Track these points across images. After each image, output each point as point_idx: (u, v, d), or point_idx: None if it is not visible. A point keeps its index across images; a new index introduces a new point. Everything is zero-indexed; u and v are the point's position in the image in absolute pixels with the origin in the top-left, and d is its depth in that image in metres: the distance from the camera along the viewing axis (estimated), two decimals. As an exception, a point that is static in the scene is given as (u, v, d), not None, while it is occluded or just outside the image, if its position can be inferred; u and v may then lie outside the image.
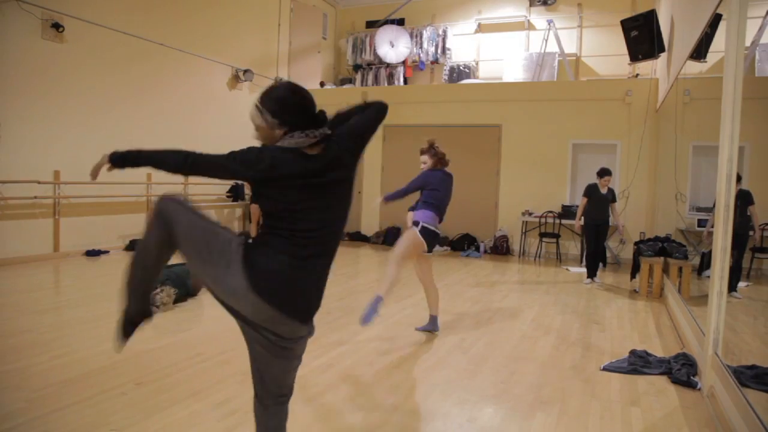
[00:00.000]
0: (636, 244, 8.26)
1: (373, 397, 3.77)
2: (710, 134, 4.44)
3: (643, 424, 3.49)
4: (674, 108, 8.58)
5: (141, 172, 9.98)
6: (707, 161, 7.48)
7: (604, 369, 4.49)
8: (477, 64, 14.05)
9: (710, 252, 4.04)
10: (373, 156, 12.91)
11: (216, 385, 3.79)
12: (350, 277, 8.13)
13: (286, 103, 2.13)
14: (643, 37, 8.95)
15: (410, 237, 5.11)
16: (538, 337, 5.43)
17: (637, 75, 11.51)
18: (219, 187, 11.96)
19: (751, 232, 5.90)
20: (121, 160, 2.06)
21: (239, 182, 11.74)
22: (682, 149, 8.51)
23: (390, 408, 3.58)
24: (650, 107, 10.61)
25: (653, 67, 11.24)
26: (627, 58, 9.67)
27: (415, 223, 5.14)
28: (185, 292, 6.03)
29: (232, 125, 12.20)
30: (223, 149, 2.11)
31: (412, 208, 5.31)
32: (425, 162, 5.34)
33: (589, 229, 8.47)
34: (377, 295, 4.84)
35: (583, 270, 9.46)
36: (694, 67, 7.02)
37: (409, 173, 5.86)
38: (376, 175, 12.81)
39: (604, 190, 8.35)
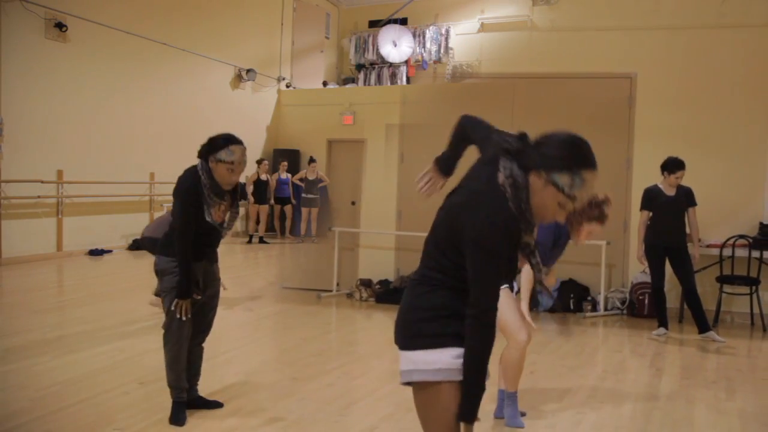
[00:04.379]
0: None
1: (377, 398, 3.76)
2: None
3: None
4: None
5: (143, 172, 9.99)
6: None
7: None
8: (480, 63, 14.03)
9: None
10: (375, 155, 12.87)
11: (218, 385, 3.79)
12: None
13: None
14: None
15: None
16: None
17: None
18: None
19: None
20: None
21: (241, 182, 11.75)
22: None
23: (393, 409, 3.56)
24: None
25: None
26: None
27: None
28: None
29: (235, 125, 12.16)
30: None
31: None
32: None
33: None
34: None
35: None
36: None
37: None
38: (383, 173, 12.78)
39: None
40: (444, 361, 1.75)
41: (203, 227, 3.22)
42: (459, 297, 1.76)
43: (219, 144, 3.16)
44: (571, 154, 1.70)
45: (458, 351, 1.74)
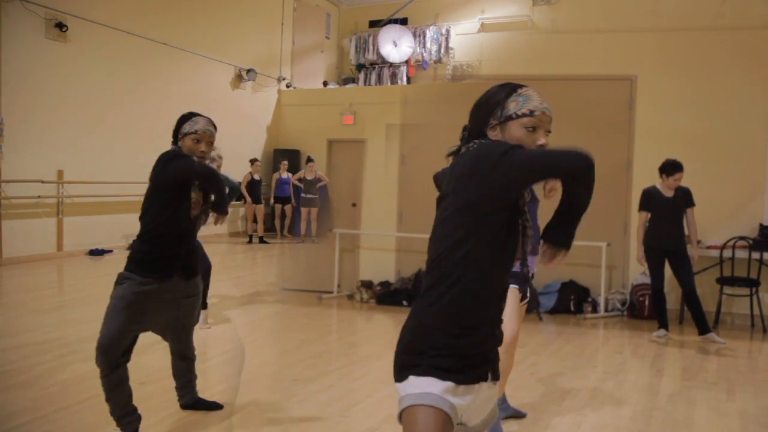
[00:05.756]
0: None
1: (378, 399, 3.76)
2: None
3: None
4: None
5: (143, 171, 9.98)
6: None
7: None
8: (480, 63, 14.04)
9: None
10: (376, 155, 12.88)
11: (218, 385, 3.79)
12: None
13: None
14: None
15: None
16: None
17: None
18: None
19: None
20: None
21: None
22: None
23: (395, 410, 3.56)
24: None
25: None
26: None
27: None
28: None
29: (236, 125, 12.19)
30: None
31: None
32: None
33: None
34: None
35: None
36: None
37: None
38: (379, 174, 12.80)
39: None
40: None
41: (176, 223, 3.20)
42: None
43: (183, 119, 3.22)
44: (497, 91, 1.72)
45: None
